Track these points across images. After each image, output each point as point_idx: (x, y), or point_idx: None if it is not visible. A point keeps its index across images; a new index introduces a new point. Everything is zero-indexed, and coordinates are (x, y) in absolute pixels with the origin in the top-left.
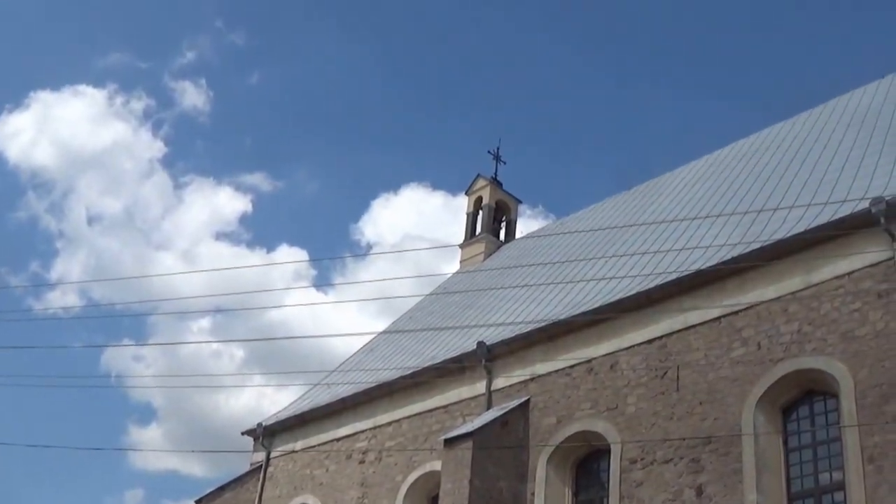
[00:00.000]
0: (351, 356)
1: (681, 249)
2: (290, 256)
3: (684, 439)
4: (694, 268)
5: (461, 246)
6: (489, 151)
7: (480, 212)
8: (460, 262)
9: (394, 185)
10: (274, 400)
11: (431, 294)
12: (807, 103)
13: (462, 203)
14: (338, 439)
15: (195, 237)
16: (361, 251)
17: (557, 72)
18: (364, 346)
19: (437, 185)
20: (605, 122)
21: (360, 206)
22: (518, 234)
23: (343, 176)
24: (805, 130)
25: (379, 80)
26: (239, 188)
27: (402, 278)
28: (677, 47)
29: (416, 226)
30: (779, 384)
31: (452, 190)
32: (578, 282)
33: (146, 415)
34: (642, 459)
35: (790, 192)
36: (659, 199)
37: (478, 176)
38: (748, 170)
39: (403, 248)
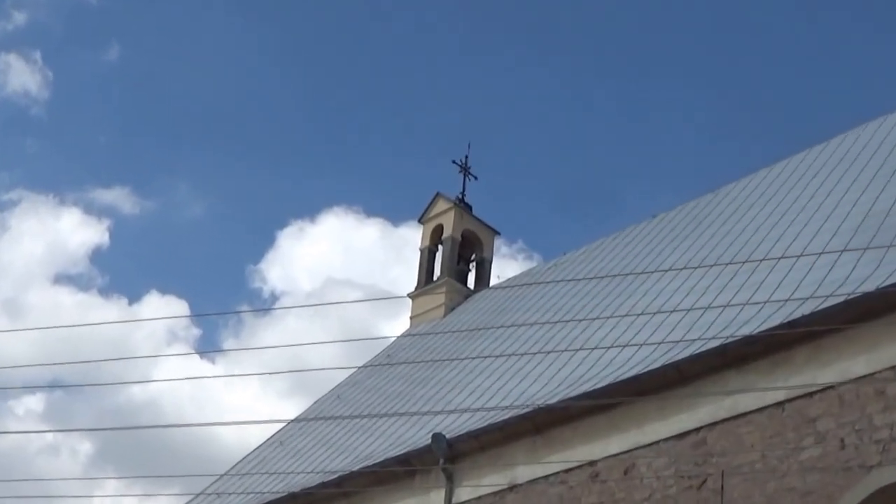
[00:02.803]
0: (250, 453)
1: (726, 305)
2: (163, 309)
3: None
4: (745, 331)
5: (412, 296)
6: (454, 162)
7: (440, 247)
8: (410, 318)
9: (309, 210)
10: None
11: (367, 365)
12: None
13: (411, 235)
14: None
15: (24, 280)
16: (264, 303)
17: (544, 57)
18: (270, 438)
19: (371, 210)
20: (615, 123)
21: (262, 239)
22: (493, 280)
23: (239, 196)
24: None
25: (290, 66)
26: (90, 210)
27: (323, 343)
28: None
29: (344, 267)
30: (874, 500)
31: (395, 216)
32: (579, 350)
33: None
34: None
35: (888, 222)
36: (695, 231)
37: (437, 196)
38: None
39: (325, 301)
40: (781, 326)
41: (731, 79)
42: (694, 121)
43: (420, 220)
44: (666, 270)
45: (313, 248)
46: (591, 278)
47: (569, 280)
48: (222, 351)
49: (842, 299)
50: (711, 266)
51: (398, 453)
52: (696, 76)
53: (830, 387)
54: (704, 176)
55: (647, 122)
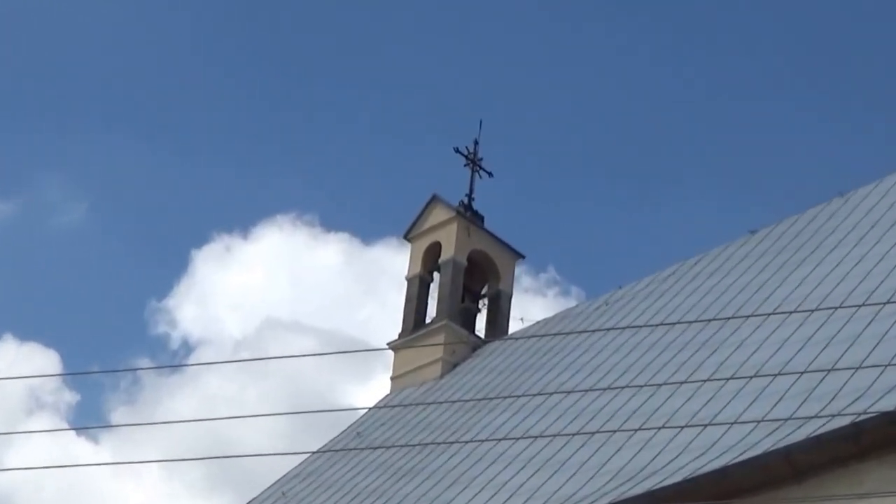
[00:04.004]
0: None
1: (859, 367)
2: (22, 364)
3: None
4: (888, 404)
5: (393, 347)
6: (458, 150)
7: (437, 276)
8: (391, 379)
9: (240, 220)
10: None
11: (326, 449)
12: None
13: (392, 258)
14: None
15: None
16: (172, 357)
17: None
18: None
19: (332, 221)
20: (693, 95)
21: (172, 262)
22: (514, 325)
23: (137, 198)
24: None
25: (219, 17)
26: None
27: (260, 416)
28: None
29: (291, 304)
30: None
31: (367, 230)
32: (638, 430)
33: None
34: None
35: None
36: (813, 255)
37: (433, 200)
38: None
39: (263, 353)
40: None
41: (862, 50)
42: (808, 103)
43: (407, 236)
44: (769, 314)
45: (246, 275)
46: (659, 325)
47: (625, 328)
48: (109, 427)
49: None
50: (837, 308)
51: None
52: (811, 46)
53: None
54: (826, 176)
55: (738, 99)
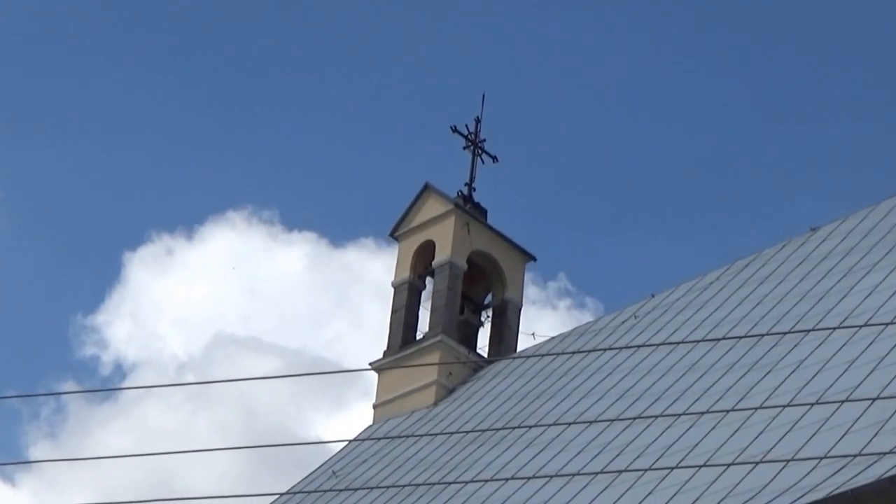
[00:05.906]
0: None
1: None
2: None
3: None
4: None
5: (377, 368)
6: (455, 130)
7: (430, 282)
8: (374, 407)
9: (184, 217)
10: None
11: (295, 490)
12: None
13: (373, 260)
14: None
15: None
16: (103, 381)
17: None
18: None
19: (294, 218)
20: (729, 67)
21: (101, 269)
22: (523, 341)
23: (56, 191)
24: None
25: None
26: None
27: (210, 451)
28: None
29: (246, 317)
30: None
31: (339, 229)
32: (675, 467)
33: None
34: None
35: None
36: (890, 257)
37: (425, 190)
38: None
39: (213, 376)
40: None
41: None
42: (870, 78)
43: (393, 234)
44: (834, 328)
45: (191, 284)
46: (699, 342)
47: (658, 345)
48: (28, 463)
49: None
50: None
51: None
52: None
53: None
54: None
55: (791, 73)
